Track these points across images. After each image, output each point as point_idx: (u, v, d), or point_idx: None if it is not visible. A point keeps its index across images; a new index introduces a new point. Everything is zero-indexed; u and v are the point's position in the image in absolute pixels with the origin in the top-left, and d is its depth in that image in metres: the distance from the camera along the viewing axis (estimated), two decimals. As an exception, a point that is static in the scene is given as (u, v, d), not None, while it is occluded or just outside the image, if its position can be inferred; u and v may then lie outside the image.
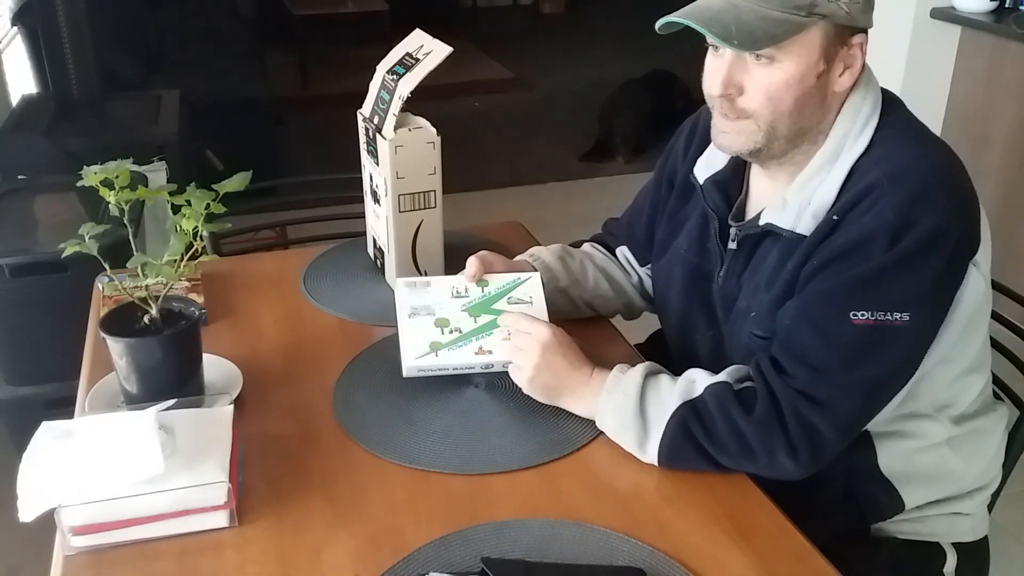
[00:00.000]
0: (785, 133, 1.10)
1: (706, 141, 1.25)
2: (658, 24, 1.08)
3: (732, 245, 1.22)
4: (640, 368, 1.14)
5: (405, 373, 1.21)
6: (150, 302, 1.14)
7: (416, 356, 1.21)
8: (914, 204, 1.03)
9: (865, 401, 1.07)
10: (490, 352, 1.21)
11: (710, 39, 1.05)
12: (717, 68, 1.10)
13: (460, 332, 1.23)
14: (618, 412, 1.11)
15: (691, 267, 1.30)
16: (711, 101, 1.14)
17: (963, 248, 1.07)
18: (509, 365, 1.19)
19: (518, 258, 1.41)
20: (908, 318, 1.03)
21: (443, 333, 1.23)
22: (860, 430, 1.11)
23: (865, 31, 1.09)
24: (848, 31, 1.07)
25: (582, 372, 1.16)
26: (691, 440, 1.06)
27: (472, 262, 1.28)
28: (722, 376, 1.11)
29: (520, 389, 1.18)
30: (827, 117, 1.12)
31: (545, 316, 1.24)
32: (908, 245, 1.02)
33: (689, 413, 1.07)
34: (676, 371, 1.15)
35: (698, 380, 1.11)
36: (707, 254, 1.27)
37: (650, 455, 1.08)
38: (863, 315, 1.03)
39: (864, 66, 1.13)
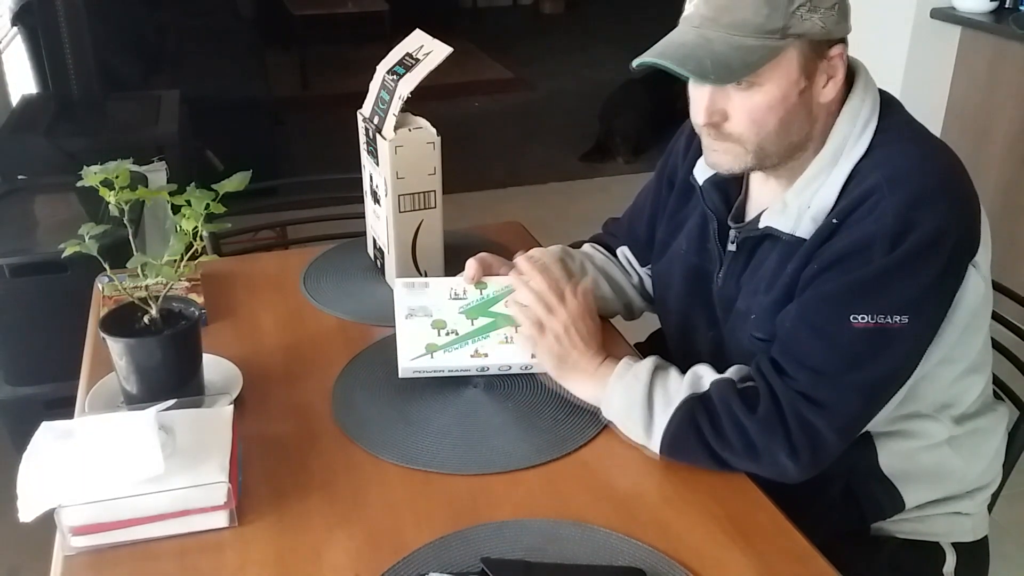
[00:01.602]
0: (775, 151, 1.11)
1: None
2: (633, 64, 1.07)
3: (731, 246, 1.22)
4: (650, 359, 1.15)
5: (400, 374, 1.21)
6: (150, 302, 1.14)
7: (411, 357, 1.21)
8: (914, 207, 1.03)
9: (865, 403, 1.08)
10: (486, 355, 1.21)
11: (687, 77, 1.05)
12: (699, 97, 1.10)
13: (456, 334, 1.23)
14: (626, 394, 1.11)
15: (690, 267, 1.30)
16: (698, 129, 1.14)
17: (963, 250, 1.07)
18: (531, 321, 1.19)
19: (518, 259, 1.41)
20: (907, 321, 1.03)
21: (439, 335, 1.23)
22: (860, 431, 1.11)
23: (843, 40, 1.09)
24: (825, 44, 1.07)
25: (595, 357, 1.17)
26: (696, 432, 1.07)
27: (471, 264, 1.28)
28: (728, 373, 1.12)
29: (519, 389, 1.19)
30: (816, 126, 1.11)
31: None
32: (909, 248, 1.02)
33: (697, 405, 1.08)
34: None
35: (705, 376, 1.12)
36: (706, 254, 1.28)
37: (654, 441, 1.09)
38: (863, 318, 1.03)
39: (861, 68, 1.13)
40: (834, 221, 1.08)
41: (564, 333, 1.18)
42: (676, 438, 1.08)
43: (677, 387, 1.11)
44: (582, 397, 1.18)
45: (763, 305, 1.15)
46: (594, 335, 1.20)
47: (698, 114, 1.10)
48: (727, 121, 1.09)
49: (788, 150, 1.11)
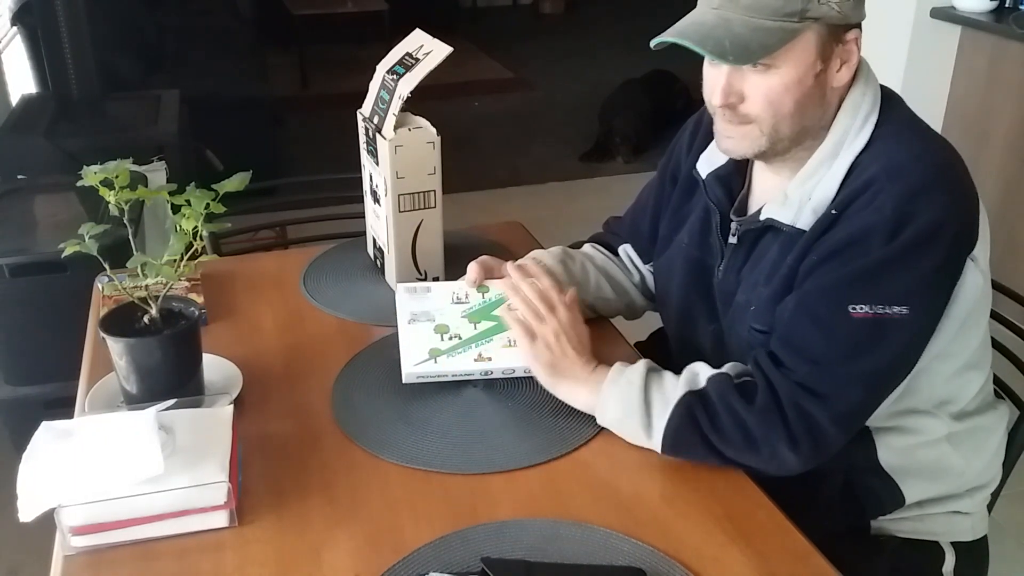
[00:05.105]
0: (789, 134, 1.11)
1: (709, 137, 1.25)
2: (652, 43, 1.08)
3: (733, 239, 1.23)
4: (643, 362, 1.15)
5: (404, 379, 1.21)
6: (150, 302, 1.14)
7: (415, 363, 1.21)
8: (913, 199, 1.03)
9: (865, 394, 1.08)
10: (489, 359, 1.21)
11: (706, 57, 1.05)
12: (716, 78, 1.10)
13: (460, 339, 1.23)
14: (622, 399, 1.11)
15: (692, 261, 1.30)
16: (712, 110, 1.14)
17: (961, 242, 1.08)
18: (522, 328, 1.18)
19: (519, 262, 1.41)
20: (907, 311, 1.04)
21: (442, 339, 1.23)
22: (862, 423, 1.12)
23: (859, 25, 1.10)
24: (842, 29, 1.08)
25: (587, 365, 1.17)
26: (696, 429, 1.07)
27: (473, 268, 1.28)
28: (724, 369, 1.12)
29: (519, 388, 1.18)
30: (828, 112, 1.12)
31: None
32: (907, 239, 1.03)
33: (695, 401, 1.08)
34: (678, 368, 1.15)
35: (701, 372, 1.12)
36: (708, 248, 1.28)
37: (655, 442, 1.09)
38: (862, 308, 1.04)
39: (863, 63, 1.14)
40: (833, 212, 1.08)
41: (555, 341, 1.17)
42: (677, 436, 1.08)
43: (673, 386, 1.11)
44: (575, 405, 1.17)
45: (762, 297, 1.16)
46: (585, 343, 1.19)
47: (715, 95, 1.11)
48: (743, 102, 1.10)
49: (800, 134, 1.12)
